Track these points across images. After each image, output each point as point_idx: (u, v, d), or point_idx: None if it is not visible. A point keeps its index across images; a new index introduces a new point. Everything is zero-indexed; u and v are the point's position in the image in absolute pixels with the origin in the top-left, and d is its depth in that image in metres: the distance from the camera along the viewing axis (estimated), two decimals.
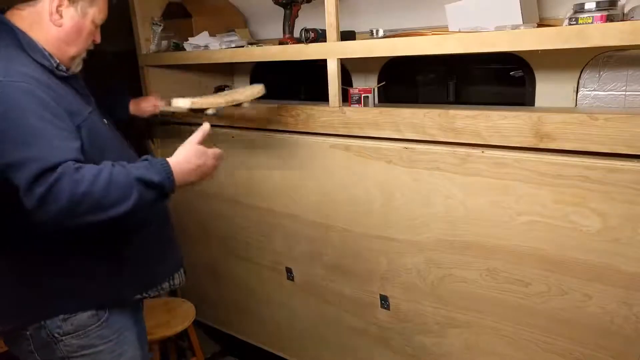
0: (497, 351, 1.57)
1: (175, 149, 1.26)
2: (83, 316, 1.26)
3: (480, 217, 1.48)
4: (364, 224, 1.76)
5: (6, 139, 1.05)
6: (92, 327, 1.28)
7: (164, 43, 2.17)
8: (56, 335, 1.25)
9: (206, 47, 2.06)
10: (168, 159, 1.18)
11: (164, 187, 1.13)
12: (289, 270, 2.06)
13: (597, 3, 1.25)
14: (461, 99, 1.96)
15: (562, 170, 1.32)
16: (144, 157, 1.18)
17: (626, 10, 1.29)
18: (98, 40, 1.35)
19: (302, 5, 1.82)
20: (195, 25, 2.20)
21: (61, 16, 1.22)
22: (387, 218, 1.69)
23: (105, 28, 1.38)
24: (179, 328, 1.94)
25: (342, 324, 1.96)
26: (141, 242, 1.30)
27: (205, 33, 2.12)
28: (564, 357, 1.45)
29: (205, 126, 1.29)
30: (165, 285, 1.43)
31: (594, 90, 1.53)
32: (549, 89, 1.61)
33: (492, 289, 1.52)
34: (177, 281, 1.46)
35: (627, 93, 1.48)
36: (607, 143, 1.23)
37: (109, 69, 2.14)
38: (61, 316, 1.24)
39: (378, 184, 1.68)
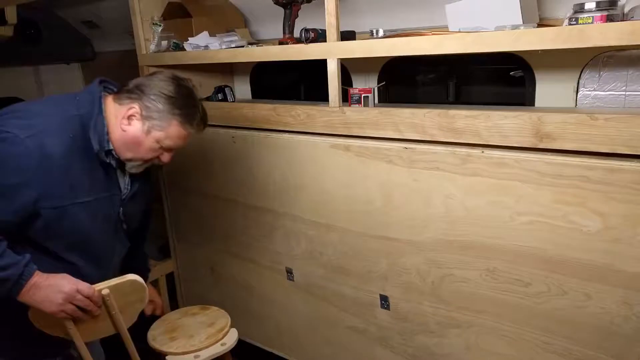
0: (497, 351, 1.57)
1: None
2: None
3: (480, 217, 1.48)
4: (364, 224, 1.76)
5: None
6: None
7: (164, 43, 2.17)
8: None
9: (206, 47, 2.06)
10: (39, 272, 1.21)
11: (8, 273, 1.16)
12: (289, 270, 2.06)
13: (597, 3, 1.25)
14: (461, 99, 1.96)
15: (562, 170, 1.32)
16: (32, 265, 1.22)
17: (626, 10, 1.29)
18: (164, 160, 1.38)
19: (302, 5, 1.82)
20: (195, 25, 2.19)
21: (129, 124, 1.30)
22: (387, 218, 1.69)
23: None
24: None
25: (342, 323, 1.96)
26: (18, 318, 1.28)
27: (205, 33, 2.12)
28: (564, 357, 1.45)
29: (97, 293, 1.27)
30: None
31: (594, 90, 1.53)
32: (549, 89, 1.61)
33: (492, 289, 1.52)
34: None
35: (627, 93, 1.48)
36: (607, 143, 1.23)
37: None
38: None
39: (378, 184, 1.68)
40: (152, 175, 1.57)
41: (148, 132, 1.30)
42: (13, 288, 1.18)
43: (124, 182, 1.42)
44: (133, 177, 1.43)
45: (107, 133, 1.30)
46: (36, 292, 1.20)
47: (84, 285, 1.24)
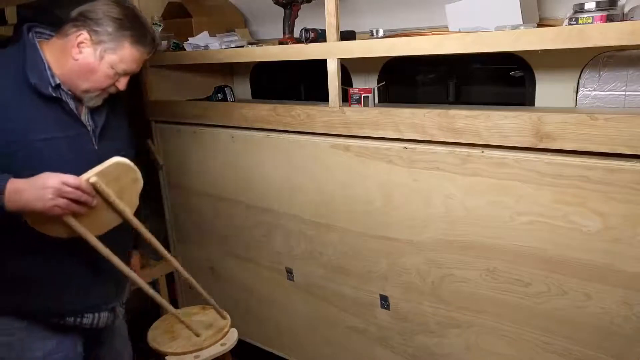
0: (497, 351, 1.57)
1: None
2: None
3: (480, 217, 1.48)
4: (364, 224, 1.76)
5: None
6: None
7: (164, 43, 2.17)
8: None
9: (206, 47, 2.06)
10: (15, 178, 1.17)
11: None
12: (289, 270, 2.06)
13: (597, 3, 1.25)
14: (461, 99, 1.96)
15: (562, 170, 1.32)
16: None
17: (626, 10, 1.29)
18: (121, 87, 1.37)
19: (302, 5, 1.82)
20: (195, 25, 2.19)
21: (80, 52, 1.29)
22: (387, 218, 1.69)
23: None
24: None
25: (342, 323, 1.96)
26: (43, 266, 1.26)
27: (205, 33, 2.12)
28: (564, 357, 1.45)
29: (84, 182, 1.22)
30: (70, 320, 1.41)
31: (594, 90, 1.53)
32: (549, 89, 1.61)
33: (492, 289, 1.52)
34: (86, 321, 1.43)
35: (627, 93, 1.48)
36: (607, 143, 1.23)
37: None
38: None
39: (378, 184, 1.68)
40: (125, 111, 1.54)
41: (101, 57, 1.30)
42: None
43: (86, 119, 1.38)
44: (93, 111, 1.39)
45: (50, 68, 1.28)
46: (20, 196, 1.15)
47: (68, 177, 1.18)
